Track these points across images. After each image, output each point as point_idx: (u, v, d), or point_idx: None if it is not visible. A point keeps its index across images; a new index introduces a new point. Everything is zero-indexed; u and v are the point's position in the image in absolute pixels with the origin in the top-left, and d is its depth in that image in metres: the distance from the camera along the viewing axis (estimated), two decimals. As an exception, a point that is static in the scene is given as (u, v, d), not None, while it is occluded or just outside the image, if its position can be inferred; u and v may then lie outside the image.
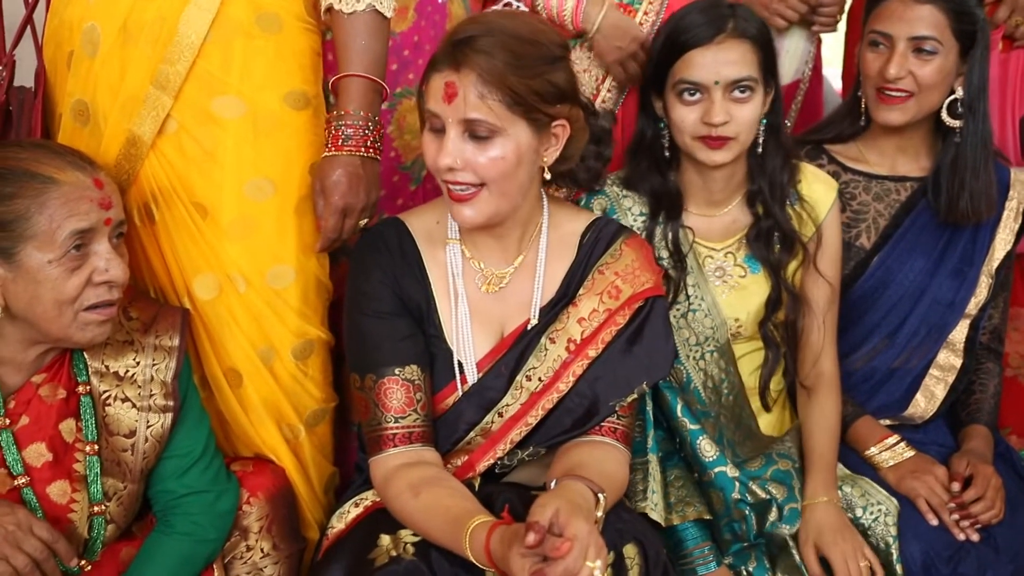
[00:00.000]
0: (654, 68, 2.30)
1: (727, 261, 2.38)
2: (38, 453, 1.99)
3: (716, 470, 2.29)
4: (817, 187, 2.41)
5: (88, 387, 2.03)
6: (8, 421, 1.97)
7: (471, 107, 1.94)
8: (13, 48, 2.31)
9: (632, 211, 2.36)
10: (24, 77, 2.34)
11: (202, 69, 2.14)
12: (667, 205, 2.34)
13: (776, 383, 2.46)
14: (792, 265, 2.38)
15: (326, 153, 2.16)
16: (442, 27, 2.60)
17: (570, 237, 2.17)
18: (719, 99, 2.20)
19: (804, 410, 2.44)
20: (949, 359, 2.58)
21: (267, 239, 2.21)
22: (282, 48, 2.20)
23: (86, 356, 2.04)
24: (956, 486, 2.36)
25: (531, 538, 1.66)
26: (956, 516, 2.32)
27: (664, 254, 2.33)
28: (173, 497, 2.11)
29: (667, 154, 2.34)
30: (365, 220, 2.21)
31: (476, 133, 1.95)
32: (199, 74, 2.14)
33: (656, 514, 2.18)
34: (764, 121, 2.29)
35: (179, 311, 2.16)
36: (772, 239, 2.36)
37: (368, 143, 2.15)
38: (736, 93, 2.21)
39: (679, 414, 2.30)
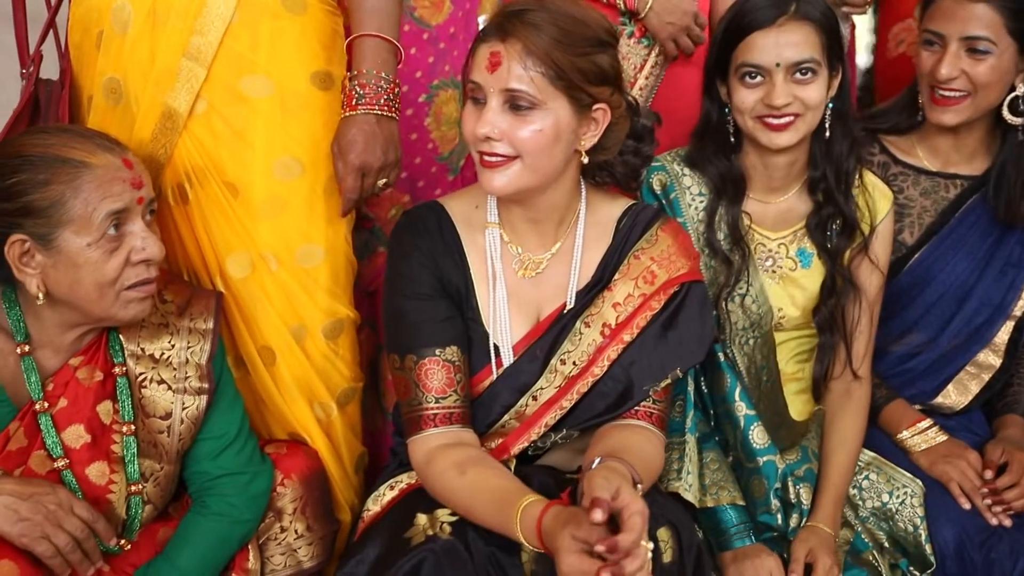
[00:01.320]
0: (717, 52, 2.30)
1: (780, 252, 2.39)
2: (76, 435, 2.00)
3: (765, 458, 2.30)
4: (877, 190, 2.41)
5: (124, 369, 2.04)
6: (47, 404, 1.98)
7: (514, 77, 1.94)
8: (40, 44, 2.33)
9: (691, 190, 2.37)
10: (44, 74, 2.36)
11: (230, 48, 2.16)
12: (731, 189, 2.34)
13: (805, 371, 2.47)
14: (846, 254, 2.38)
15: (343, 115, 2.18)
16: (474, 16, 2.61)
17: (607, 222, 2.17)
18: (780, 81, 2.20)
19: (828, 429, 2.43)
20: (988, 358, 2.56)
21: (296, 218, 2.23)
22: (307, 29, 2.22)
23: (122, 338, 2.05)
24: (989, 474, 2.36)
25: (598, 515, 1.64)
26: (989, 501, 2.32)
27: (720, 235, 2.33)
28: (208, 478, 2.13)
29: (732, 138, 2.34)
30: (384, 180, 2.22)
31: (516, 104, 1.96)
32: (227, 53, 2.16)
33: (690, 495, 2.19)
34: (831, 105, 2.29)
35: (213, 294, 2.17)
36: (832, 226, 2.36)
37: (382, 101, 2.16)
38: (798, 75, 2.21)
39: (737, 398, 2.31)
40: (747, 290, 2.34)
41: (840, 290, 2.37)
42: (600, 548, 1.63)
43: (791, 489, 2.31)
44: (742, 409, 2.30)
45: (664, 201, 2.35)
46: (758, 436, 2.30)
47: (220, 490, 2.13)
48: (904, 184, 2.55)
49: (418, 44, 2.51)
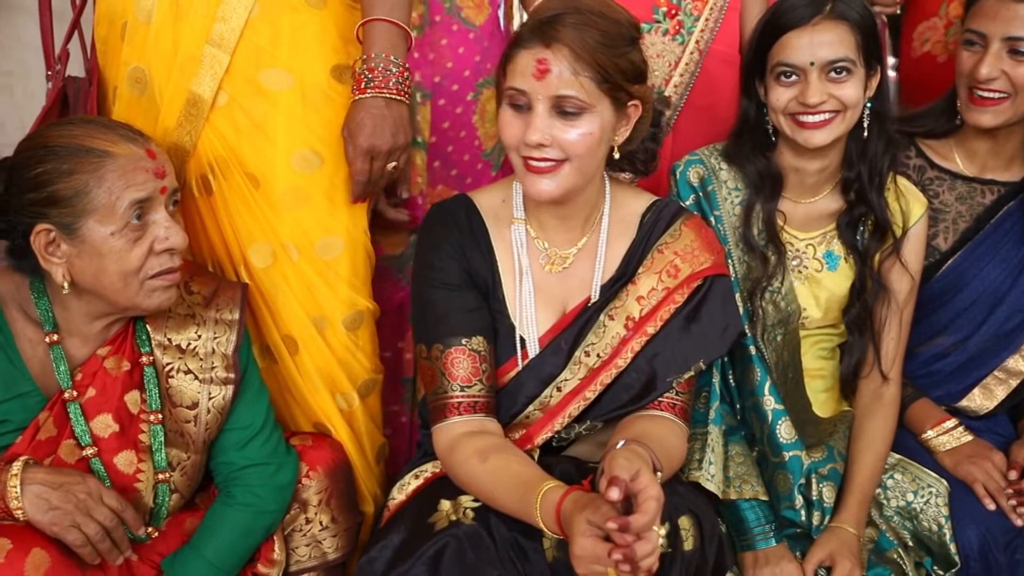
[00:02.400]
0: (754, 52, 2.31)
1: (807, 252, 2.40)
2: (104, 424, 2.02)
3: (791, 453, 2.30)
4: (911, 194, 2.42)
5: (151, 358, 2.06)
6: (76, 393, 2.01)
7: (564, 84, 1.96)
8: (66, 41, 2.36)
9: (728, 184, 2.38)
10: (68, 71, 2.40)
11: (251, 42, 2.18)
12: (768, 186, 2.35)
13: (832, 369, 2.47)
14: (877, 256, 2.39)
15: (352, 99, 2.20)
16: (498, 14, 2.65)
17: (631, 217, 2.19)
18: (815, 80, 2.21)
19: (857, 431, 2.43)
20: (1018, 365, 2.52)
21: (317, 210, 2.25)
22: (327, 23, 2.24)
23: (149, 329, 2.07)
24: (1013, 474, 2.34)
25: (615, 493, 1.65)
26: (1013, 502, 2.30)
27: (755, 231, 2.34)
28: (234, 469, 2.15)
29: (772, 138, 2.35)
30: (394, 164, 2.23)
31: (564, 109, 1.97)
32: (248, 46, 2.18)
33: (712, 485, 2.19)
34: (868, 105, 2.29)
35: (238, 285, 2.19)
36: (863, 226, 2.37)
37: (391, 84, 2.17)
38: (832, 74, 2.22)
39: (766, 392, 2.32)
40: (776, 287, 2.35)
41: (869, 291, 2.37)
42: (612, 526, 1.63)
43: (814, 486, 2.31)
44: (771, 403, 2.31)
45: (701, 194, 2.36)
46: (785, 431, 2.30)
47: (246, 480, 2.14)
48: (940, 189, 2.54)
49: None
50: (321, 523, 2.24)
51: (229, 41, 2.17)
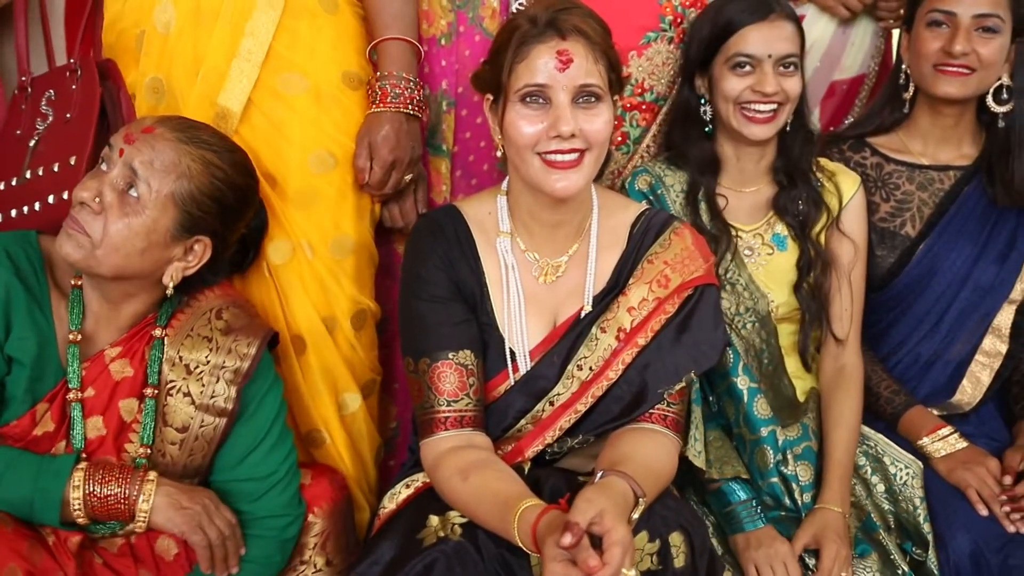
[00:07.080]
0: (703, 47, 2.39)
1: (755, 241, 2.46)
2: (95, 426, 2.04)
3: (768, 429, 2.33)
4: (840, 171, 2.50)
5: (157, 372, 2.06)
6: (79, 392, 2.03)
7: (586, 72, 1.99)
8: (71, 46, 2.38)
9: (674, 188, 2.44)
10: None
11: (271, 49, 2.24)
12: (709, 168, 2.42)
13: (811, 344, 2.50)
14: (817, 228, 2.44)
15: (373, 110, 2.26)
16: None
17: (620, 228, 2.18)
18: (770, 71, 2.31)
19: (825, 408, 2.45)
20: (995, 345, 2.55)
21: (329, 210, 2.31)
22: (339, 29, 2.32)
23: (165, 342, 2.07)
24: (1008, 479, 2.34)
25: (567, 539, 1.67)
26: (1007, 508, 2.30)
27: (705, 218, 2.39)
28: (249, 518, 2.10)
29: (709, 127, 2.43)
30: (410, 175, 2.30)
31: (585, 99, 2.00)
32: (268, 54, 2.24)
33: (700, 461, 2.21)
34: None
35: (267, 328, 2.15)
36: (798, 202, 2.42)
37: (412, 102, 2.28)
38: (781, 68, 2.33)
39: (740, 372, 2.35)
40: (734, 279, 2.39)
41: (813, 260, 2.42)
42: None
43: (791, 463, 2.34)
44: (745, 383, 2.35)
45: (652, 198, 2.43)
46: (761, 408, 2.34)
47: (260, 531, 2.10)
48: (900, 181, 2.60)
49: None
50: (315, 565, 2.19)
51: (258, 55, 2.24)
